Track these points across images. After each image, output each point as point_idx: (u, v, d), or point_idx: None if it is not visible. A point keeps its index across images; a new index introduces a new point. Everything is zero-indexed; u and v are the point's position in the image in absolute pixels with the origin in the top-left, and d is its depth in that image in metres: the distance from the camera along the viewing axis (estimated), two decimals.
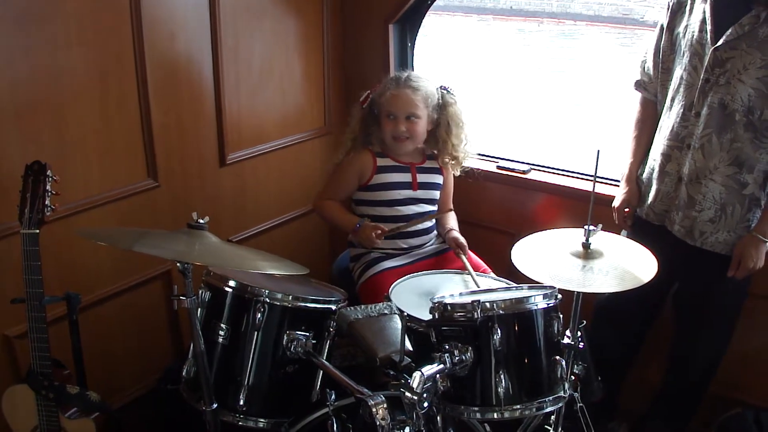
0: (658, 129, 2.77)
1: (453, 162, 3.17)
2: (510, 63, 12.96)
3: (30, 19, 2.40)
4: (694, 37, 2.58)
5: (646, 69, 2.84)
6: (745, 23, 2.43)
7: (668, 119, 2.69)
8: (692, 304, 2.86)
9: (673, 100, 2.68)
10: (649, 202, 2.79)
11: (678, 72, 2.66)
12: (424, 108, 2.99)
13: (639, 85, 2.88)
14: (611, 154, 2.76)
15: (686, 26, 2.63)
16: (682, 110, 2.63)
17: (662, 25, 2.74)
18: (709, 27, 2.52)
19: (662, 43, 2.73)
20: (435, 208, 3.17)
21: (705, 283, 2.78)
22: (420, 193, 3.09)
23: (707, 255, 2.66)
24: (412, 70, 3.37)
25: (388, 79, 3.06)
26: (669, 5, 2.71)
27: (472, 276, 2.85)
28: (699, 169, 2.59)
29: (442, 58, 10.28)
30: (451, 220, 3.22)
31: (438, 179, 3.17)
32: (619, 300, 2.67)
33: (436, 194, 3.16)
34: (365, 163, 3.05)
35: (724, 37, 2.47)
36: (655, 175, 2.74)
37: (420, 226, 3.04)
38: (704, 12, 2.54)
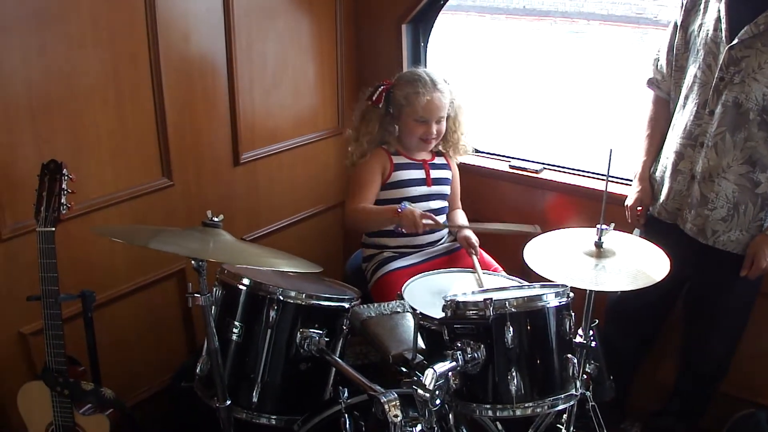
0: (671, 127, 2.77)
1: (458, 153, 3.22)
2: (523, 62, 12.93)
3: (45, 19, 2.42)
4: (709, 35, 2.57)
5: (659, 67, 2.83)
6: (761, 22, 2.42)
7: (681, 117, 2.69)
8: (703, 304, 2.86)
9: (686, 98, 2.68)
10: (661, 200, 2.79)
11: (692, 70, 2.65)
12: (448, 108, 3.05)
13: (651, 83, 2.88)
14: (624, 153, 2.76)
15: (701, 24, 2.63)
16: (695, 108, 2.62)
17: (676, 23, 2.73)
18: (723, 26, 2.51)
19: (676, 41, 2.73)
20: (446, 203, 3.19)
21: (716, 283, 2.77)
22: (434, 189, 3.12)
23: (719, 254, 2.66)
24: (425, 67, 3.37)
25: (410, 81, 3.01)
26: (683, 3, 2.71)
27: (479, 275, 2.87)
28: (712, 167, 2.59)
29: (455, 57, 10.27)
30: (461, 219, 3.25)
31: (448, 174, 3.20)
32: (630, 300, 2.68)
33: (447, 190, 3.19)
34: (384, 161, 3.07)
35: (739, 35, 2.47)
36: (668, 173, 2.75)
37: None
38: (719, 11, 2.53)
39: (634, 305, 2.90)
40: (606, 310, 3.01)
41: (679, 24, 2.72)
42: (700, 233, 2.67)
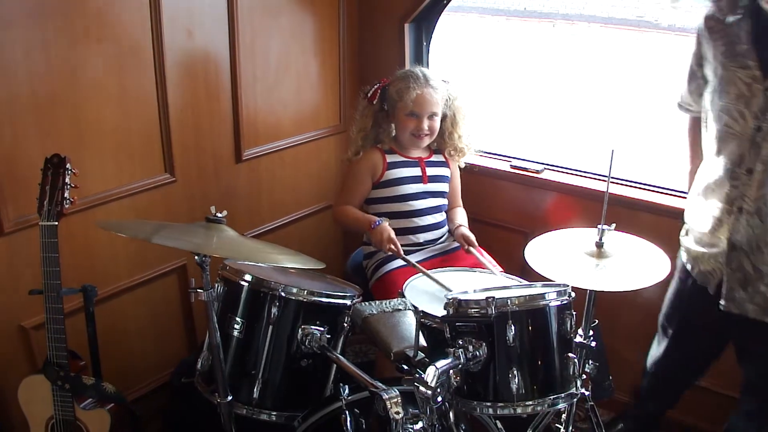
0: (704, 183, 2.38)
1: (458, 154, 3.22)
2: (524, 63, 12.94)
3: (48, 13, 2.42)
4: (737, 74, 2.15)
5: (684, 94, 2.54)
6: None
7: (716, 171, 2.30)
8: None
9: (719, 151, 2.28)
10: (691, 264, 2.49)
11: (718, 114, 2.25)
12: (442, 106, 3.05)
13: (681, 107, 2.60)
14: (624, 154, 2.72)
15: (722, 58, 2.21)
16: (729, 165, 2.22)
17: (694, 53, 2.40)
18: (753, 63, 2.10)
19: (697, 72, 2.40)
20: (445, 201, 3.20)
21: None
22: (431, 186, 3.13)
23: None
24: (426, 67, 3.38)
25: (404, 77, 3.06)
26: (698, 33, 2.35)
27: (485, 264, 2.92)
28: (758, 236, 2.20)
29: (456, 57, 10.27)
30: (460, 217, 3.25)
31: (446, 171, 3.21)
32: (673, 376, 2.77)
33: (446, 187, 3.20)
34: (376, 161, 3.08)
35: None
36: (702, 238, 2.40)
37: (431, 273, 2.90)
38: (746, 43, 2.13)
39: (676, 379, 2.87)
40: (649, 383, 2.96)
41: (699, 55, 2.36)
42: (765, 313, 2.24)
